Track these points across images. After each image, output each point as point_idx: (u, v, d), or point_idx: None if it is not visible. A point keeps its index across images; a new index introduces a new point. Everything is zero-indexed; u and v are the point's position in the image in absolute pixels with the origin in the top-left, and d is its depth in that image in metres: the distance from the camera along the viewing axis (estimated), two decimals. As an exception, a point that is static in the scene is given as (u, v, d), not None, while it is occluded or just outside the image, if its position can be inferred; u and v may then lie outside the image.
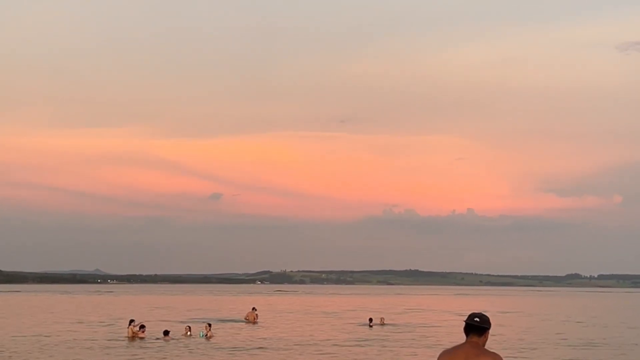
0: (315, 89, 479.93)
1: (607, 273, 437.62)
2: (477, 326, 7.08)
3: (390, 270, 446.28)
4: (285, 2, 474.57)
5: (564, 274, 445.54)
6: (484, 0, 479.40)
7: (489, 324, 7.16)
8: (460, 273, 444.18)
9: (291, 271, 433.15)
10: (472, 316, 7.16)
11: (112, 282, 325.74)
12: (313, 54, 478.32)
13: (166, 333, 35.74)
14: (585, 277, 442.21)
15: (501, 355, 7.04)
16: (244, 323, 49.08)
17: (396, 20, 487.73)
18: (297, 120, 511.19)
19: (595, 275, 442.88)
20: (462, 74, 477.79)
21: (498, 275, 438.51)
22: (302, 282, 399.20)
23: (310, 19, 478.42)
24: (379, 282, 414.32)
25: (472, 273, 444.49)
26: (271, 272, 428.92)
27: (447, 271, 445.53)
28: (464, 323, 7.17)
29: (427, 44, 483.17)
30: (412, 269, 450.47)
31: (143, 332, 35.79)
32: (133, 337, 35.40)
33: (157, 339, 35.06)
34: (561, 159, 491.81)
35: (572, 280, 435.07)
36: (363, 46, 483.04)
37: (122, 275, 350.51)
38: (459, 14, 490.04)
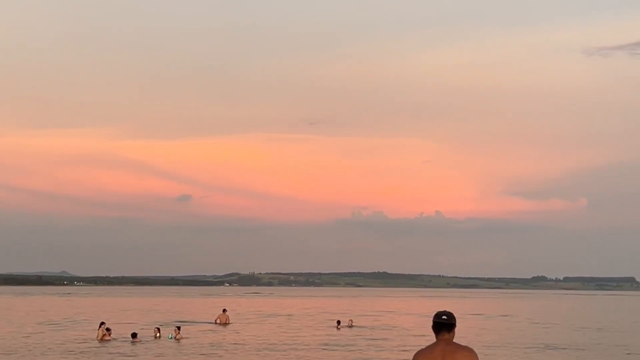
0: (285, 91, 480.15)
1: (573, 275, 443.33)
2: (446, 323, 7.46)
3: (358, 272, 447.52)
4: (255, 3, 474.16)
5: (530, 276, 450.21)
6: (454, 4, 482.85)
7: (456, 320, 7.55)
8: (428, 275, 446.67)
9: (259, 273, 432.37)
10: (439, 314, 7.52)
11: (78, 284, 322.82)
12: (283, 56, 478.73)
13: (134, 335, 35.73)
14: (551, 280, 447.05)
15: (473, 350, 7.44)
16: (214, 325, 49.17)
17: (366, 23, 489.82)
18: (266, 122, 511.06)
19: (561, 278, 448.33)
20: (431, 77, 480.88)
21: (465, 278, 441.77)
22: (270, 284, 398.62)
23: (280, 21, 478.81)
24: (347, 284, 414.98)
25: (439, 275, 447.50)
26: (239, 274, 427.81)
27: (415, 273, 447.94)
28: (433, 322, 7.51)
29: (396, 47, 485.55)
30: (380, 271, 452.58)
31: (109, 334, 35.80)
32: (102, 339, 35.41)
33: (125, 340, 35.09)
34: (528, 162, 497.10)
35: (538, 282, 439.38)
36: (333, 48, 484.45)
37: (88, 277, 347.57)
38: (429, 18, 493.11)
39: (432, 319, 7.59)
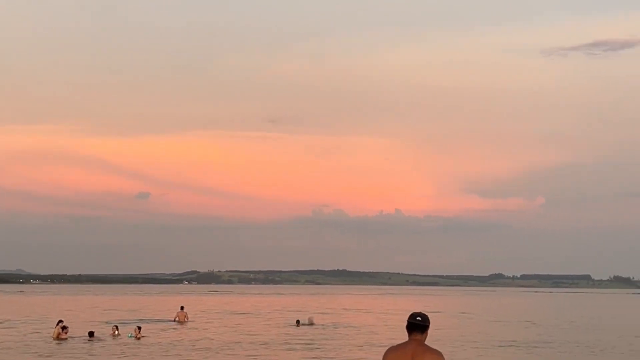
0: (246, 88, 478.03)
1: (529, 273, 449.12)
2: (419, 325, 7.62)
3: (318, 270, 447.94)
4: (215, 0, 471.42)
5: (487, 274, 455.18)
6: (414, 3, 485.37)
7: (429, 322, 7.75)
8: (388, 273, 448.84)
9: (219, 271, 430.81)
10: (414, 315, 7.72)
11: (34, 282, 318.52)
12: (243, 53, 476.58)
13: (91, 334, 35.32)
14: (508, 277, 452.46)
15: (441, 352, 7.62)
16: (173, 323, 48.82)
17: (327, 20, 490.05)
18: (227, 120, 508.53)
19: (518, 275, 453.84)
20: (392, 75, 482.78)
21: (424, 275, 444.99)
22: (230, 282, 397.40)
23: (241, 17, 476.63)
24: (307, 282, 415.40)
25: (399, 273, 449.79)
26: (199, 272, 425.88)
27: (375, 271, 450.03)
28: (407, 322, 7.70)
29: (358, 45, 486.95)
30: (340, 268, 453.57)
31: (66, 333, 35.34)
32: (59, 338, 34.92)
33: (82, 339, 34.67)
34: (486, 161, 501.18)
35: (495, 280, 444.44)
36: (294, 46, 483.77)
37: (45, 275, 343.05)
38: (389, 16, 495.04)
39: (406, 319, 7.77)
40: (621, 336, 42.67)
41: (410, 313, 7.82)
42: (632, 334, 45.11)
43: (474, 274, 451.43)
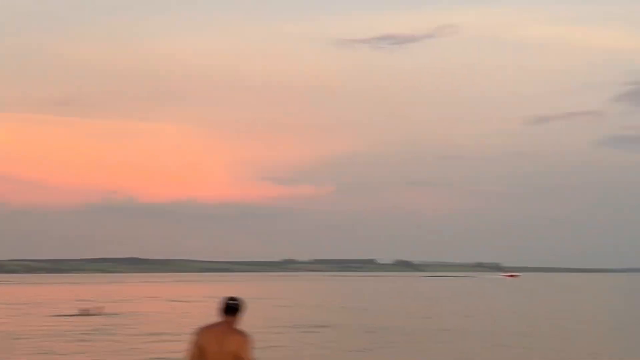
0: (35, 70, 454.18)
1: (320, 258, 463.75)
2: (232, 307, 8.24)
3: (109, 258, 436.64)
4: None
5: (280, 260, 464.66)
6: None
7: (242, 306, 8.34)
8: (181, 260, 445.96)
9: (2, 260, 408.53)
10: (228, 298, 8.33)
11: None
12: (33, 33, 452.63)
13: None
14: (300, 262, 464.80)
15: (248, 334, 8.20)
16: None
17: (122, 2, 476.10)
18: (13, 102, 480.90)
19: (310, 260, 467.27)
20: (187, 61, 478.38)
21: (218, 262, 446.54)
22: (14, 271, 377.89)
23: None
24: (97, 271, 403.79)
25: (192, 260, 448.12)
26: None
27: (168, 258, 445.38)
28: (221, 305, 8.27)
29: (152, 29, 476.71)
30: (132, 256, 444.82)
31: None
32: None
33: None
34: (280, 149, 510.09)
35: (288, 265, 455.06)
36: (85, 27, 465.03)
37: None
38: (187, 1, 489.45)
39: (221, 301, 8.34)
40: (398, 317, 45.62)
41: (226, 297, 8.37)
42: (409, 315, 48.34)
43: (267, 260, 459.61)
